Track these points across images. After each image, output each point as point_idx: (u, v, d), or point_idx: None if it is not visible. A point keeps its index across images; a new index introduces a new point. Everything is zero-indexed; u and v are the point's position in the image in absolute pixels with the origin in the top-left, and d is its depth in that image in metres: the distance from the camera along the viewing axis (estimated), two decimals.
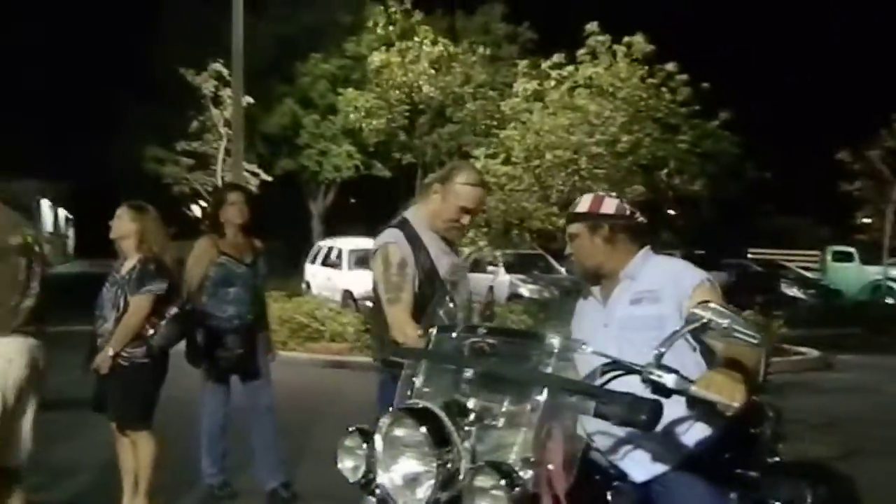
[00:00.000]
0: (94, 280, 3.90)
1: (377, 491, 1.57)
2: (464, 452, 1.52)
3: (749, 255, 22.22)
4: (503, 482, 1.39)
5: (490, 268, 13.48)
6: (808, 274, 19.26)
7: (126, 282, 3.50)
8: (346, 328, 10.10)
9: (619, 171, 11.40)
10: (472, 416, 1.65)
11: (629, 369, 1.71)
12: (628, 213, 2.25)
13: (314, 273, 15.25)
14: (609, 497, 1.70)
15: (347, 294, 12.61)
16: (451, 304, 2.00)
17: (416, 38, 11.94)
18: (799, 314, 15.56)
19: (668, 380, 1.59)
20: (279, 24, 19.13)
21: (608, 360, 1.76)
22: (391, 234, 2.76)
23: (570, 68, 11.10)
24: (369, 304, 3.56)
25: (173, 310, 3.57)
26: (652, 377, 1.61)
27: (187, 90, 13.81)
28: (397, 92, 11.71)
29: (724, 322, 1.63)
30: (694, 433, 2.04)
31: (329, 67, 19.09)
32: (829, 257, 20.08)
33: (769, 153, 14.30)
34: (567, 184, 11.31)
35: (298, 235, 20.99)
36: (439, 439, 1.50)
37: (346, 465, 1.65)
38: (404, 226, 2.79)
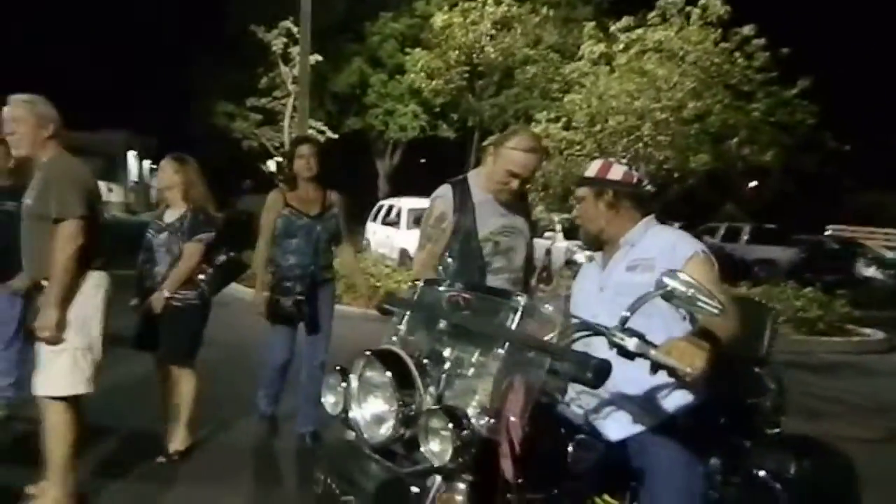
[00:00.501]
0: None
1: (351, 424, 1.72)
2: (428, 396, 1.64)
3: (828, 232, 21.25)
4: (452, 425, 1.51)
5: (547, 233, 13.41)
6: (890, 254, 18.27)
7: (177, 229, 3.71)
8: (399, 286, 10.34)
9: (685, 138, 11.10)
10: (446, 365, 1.77)
11: (596, 331, 1.78)
12: (635, 180, 2.26)
13: (374, 231, 15.54)
14: (570, 449, 1.78)
15: (404, 252, 12.83)
16: (449, 260, 2.09)
17: None
18: (873, 294, 14.92)
19: (630, 343, 1.65)
20: None
21: (578, 321, 1.83)
22: (441, 190, 2.92)
23: (640, 31, 10.79)
24: None
25: (221, 257, 3.83)
26: (615, 339, 1.68)
27: (258, 47, 14.13)
28: (457, 53, 11.66)
29: (689, 291, 1.67)
30: (674, 398, 2.09)
31: (398, 27, 19.10)
32: None
33: (851, 124, 13.50)
34: (629, 150, 11.11)
35: (365, 194, 21.35)
36: (403, 383, 1.62)
37: (329, 400, 1.80)
38: (459, 184, 2.91)
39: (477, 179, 2.92)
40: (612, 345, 1.69)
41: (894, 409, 5.91)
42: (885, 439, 5.10)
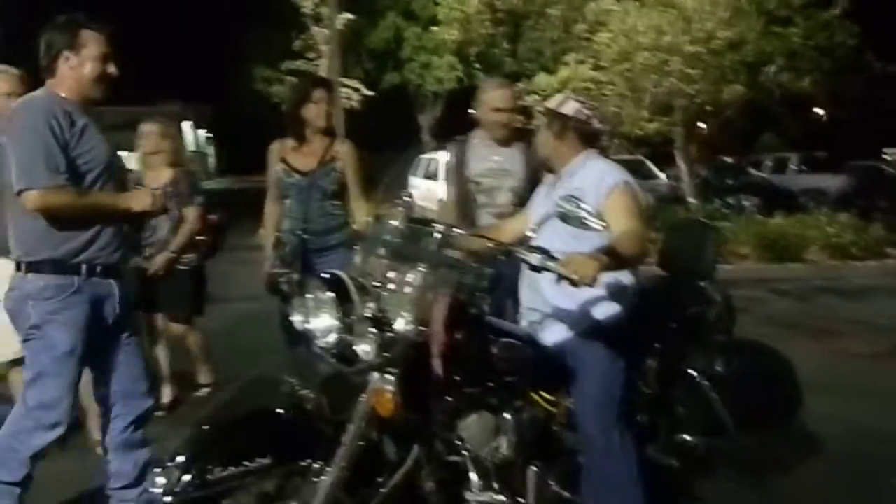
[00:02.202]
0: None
1: (310, 335, 2.10)
2: (367, 310, 1.99)
3: (886, 156, 20.39)
4: (375, 329, 1.86)
5: None
6: None
7: (174, 194, 3.81)
8: None
9: (717, 69, 10.91)
10: (389, 286, 2.12)
11: (508, 250, 2.10)
12: (585, 118, 2.48)
13: (416, 185, 15.86)
14: (495, 350, 2.12)
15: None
16: (407, 198, 2.41)
17: None
18: None
19: (533, 258, 1.95)
20: None
21: (494, 242, 2.16)
22: (451, 145, 3.52)
23: None
24: None
25: (213, 218, 4.09)
26: (521, 256, 1.99)
27: (291, 9, 14.40)
28: (476, 1, 11.68)
29: (579, 213, 1.96)
30: (602, 308, 2.37)
31: None
32: None
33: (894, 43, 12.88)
34: (659, 87, 11.03)
35: (406, 147, 21.61)
36: (345, 299, 1.98)
37: (296, 318, 2.17)
38: (470, 134, 3.43)
39: (479, 131, 3.42)
40: (520, 261, 2.00)
41: None
42: (889, 354, 5.22)
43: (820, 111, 13.71)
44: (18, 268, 2.43)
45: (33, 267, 2.40)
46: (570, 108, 2.48)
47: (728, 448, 2.62)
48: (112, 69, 2.51)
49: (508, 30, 12.93)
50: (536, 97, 12.43)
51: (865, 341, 5.55)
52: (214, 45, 27.45)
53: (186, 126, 35.92)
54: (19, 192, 2.33)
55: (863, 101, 14.62)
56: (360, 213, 3.43)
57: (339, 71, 12.07)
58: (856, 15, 11.02)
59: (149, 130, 3.91)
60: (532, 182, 3.15)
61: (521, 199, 3.16)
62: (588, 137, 2.51)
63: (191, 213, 3.91)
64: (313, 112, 3.37)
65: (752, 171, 17.11)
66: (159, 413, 3.83)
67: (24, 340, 2.43)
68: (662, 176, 14.04)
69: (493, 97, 3.29)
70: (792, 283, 8.05)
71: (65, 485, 3.16)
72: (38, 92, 2.50)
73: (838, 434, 3.59)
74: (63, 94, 2.44)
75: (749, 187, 15.20)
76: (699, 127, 12.64)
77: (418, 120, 23.40)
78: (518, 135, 3.40)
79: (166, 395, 4.09)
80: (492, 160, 3.32)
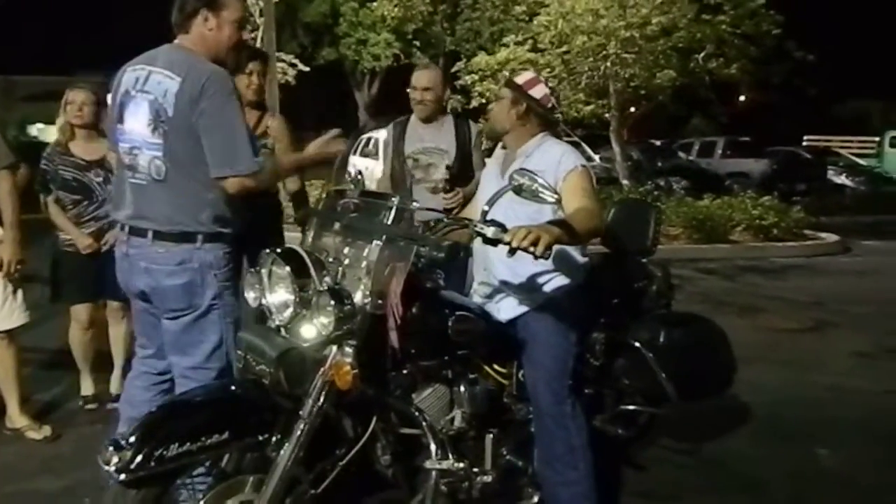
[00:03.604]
0: None
1: (265, 311, 2.08)
2: (324, 285, 1.97)
3: (805, 142, 21.51)
4: (334, 301, 1.85)
5: None
6: (863, 161, 18.60)
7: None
8: None
9: (651, 55, 11.20)
10: (344, 260, 2.11)
11: (463, 224, 2.12)
12: (550, 105, 2.49)
13: (355, 163, 15.74)
14: (450, 323, 2.14)
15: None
16: (358, 176, 2.39)
17: None
18: (841, 201, 15.34)
19: (488, 231, 1.96)
20: None
21: (451, 217, 2.17)
22: (390, 125, 3.57)
23: None
24: None
25: None
26: (476, 229, 2.00)
27: None
28: None
29: (532, 186, 1.99)
30: (552, 283, 2.42)
31: None
32: (886, 142, 19.26)
33: (817, 32, 13.51)
34: (595, 69, 11.24)
35: (346, 126, 21.33)
36: (301, 274, 1.96)
37: (249, 295, 2.13)
38: (404, 117, 3.54)
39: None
40: (476, 234, 2.01)
41: (830, 303, 6.33)
42: (809, 329, 5.55)
43: (746, 98, 14.20)
44: (185, 239, 2.23)
45: (210, 238, 2.25)
46: (540, 91, 2.47)
47: (668, 416, 2.73)
48: (243, 36, 2.36)
49: (447, 8, 12.86)
50: (474, 77, 12.49)
51: (787, 316, 5.88)
52: (145, 14, 26.25)
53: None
54: (220, 179, 2.18)
55: (785, 89, 15.29)
56: (292, 186, 3.56)
57: (275, 45, 11.74)
58: (780, 4, 11.47)
59: (74, 97, 3.55)
60: (462, 157, 3.41)
61: (453, 174, 3.37)
62: (548, 124, 2.53)
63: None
64: (244, 83, 3.29)
65: (681, 154, 17.72)
66: (90, 406, 3.69)
67: (204, 313, 2.26)
68: (597, 158, 14.35)
69: (413, 77, 3.45)
70: (719, 263, 8.42)
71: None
72: (178, 49, 2.26)
73: (765, 401, 3.81)
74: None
75: (678, 170, 15.76)
76: (632, 111, 12.94)
77: (354, 97, 23.10)
78: (444, 112, 3.54)
79: (114, 385, 3.78)
80: (426, 138, 3.45)
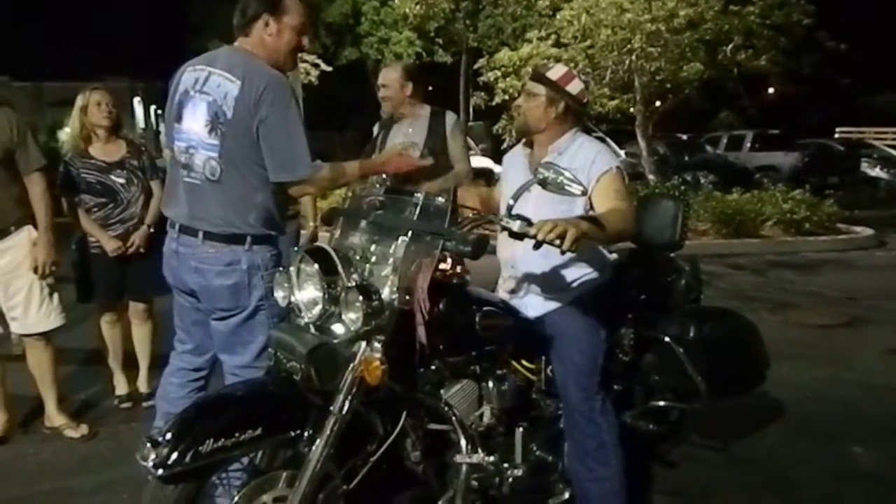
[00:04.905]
0: None
1: (294, 309, 2.10)
2: (352, 281, 1.99)
3: (837, 135, 21.04)
4: (362, 297, 1.86)
5: None
6: None
7: (137, 167, 3.61)
8: None
9: (677, 48, 11.06)
10: (371, 258, 2.12)
11: (488, 220, 2.12)
12: (585, 100, 2.44)
13: None
14: (477, 318, 2.15)
15: None
16: (383, 176, 2.40)
17: None
18: (875, 194, 15.00)
19: (514, 225, 1.96)
20: None
21: (476, 212, 2.17)
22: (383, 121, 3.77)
23: None
24: None
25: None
26: (503, 223, 2.00)
27: None
28: None
29: (558, 179, 1.98)
30: (581, 279, 2.41)
31: None
32: None
33: (849, 21, 13.20)
34: (620, 64, 11.13)
35: (369, 126, 21.37)
36: (329, 271, 1.97)
37: (278, 294, 2.16)
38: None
39: None
40: (503, 228, 2.01)
41: (863, 298, 6.21)
42: (842, 325, 5.44)
43: (775, 90, 13.93)
44: (235, 241, 2.26)
45: (258, 240, 2.29)
46: (577, 87, 2.40)
47: (699, 412, 2.71)
48: (306, 42, 2.36)
49: (469, 5, 12.82)
50: (497, 73, 12.45)
51: (819, 312, 5.78)
52: (163, 19, 26.70)
53: (135, 102, 34.88)
54: (284, 184, 2.24)
55: (816, 80, 14.98)
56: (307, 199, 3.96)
57: None
58: None
59: (108, 100, 3.61)
60: (432, 149, 3.46)
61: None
62: (581, 119, 2.49)
63: (156, 187, 3.69)
64: None
65: (709, 148, 17.46)
66: (125, 405, 3.77)
67: (251, 314, 2.30)
68: (622, 153, 14.21)
69: (381, 75, 3.67)
70: (748, 258, 8.30)
71: (35, 470, 3.12)
72: (237, 52, 2.29)
73: (797, 399, 3.75)
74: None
75: (705, 164, 15.53)
76: (658, 105, 12.79)
77: (377, 96, 23.04)
78: (421, 106, 3.65)
79: (142, 384, 3.88)
80: (406, 133, 3.58)
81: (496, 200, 2.64)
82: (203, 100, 2.26)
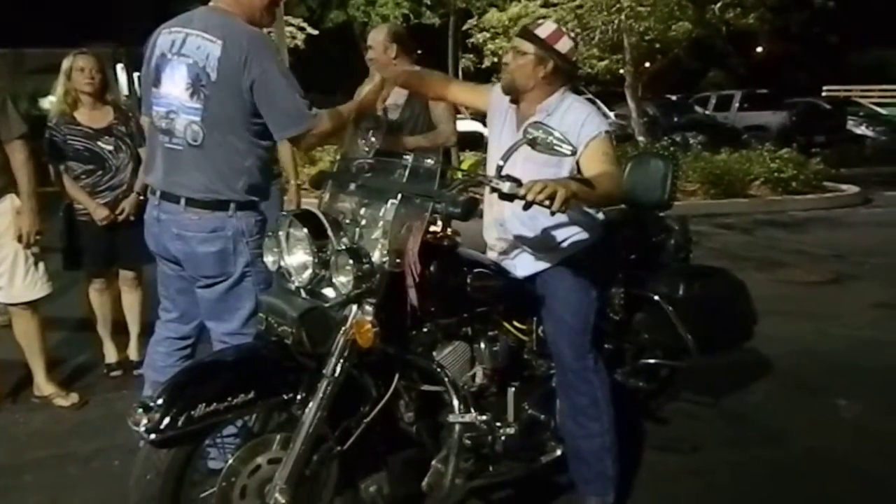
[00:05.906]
0: None
1: (285, 273, 2.08)
2: (342, 245, 1.98)
3: (824, 93, 20.99)
4: (352, 260, 1.85)
5: None
6: (884, 111, 18.15)
7: (125, 134, 3.58)
8: None
9: (666, 6, 10.93)
10: (361, 221, 2.10)
11: (478, 181, 2.10)
12: (573, 59, 2.37)
13: None
14: (468, 280, 2.14)
15: None
16: (372, 139, 2.37)
17: None
18: (862, 152, 15.06)
19: (504, 186, 1.94)
20: None
21: (465, 173, 2.15)
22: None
23: None
24: None
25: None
26: (492, 184, 1.98)
27: None
28: None
29: (548, 139, 1.95)
30: (571, 238, 2.39)
31: None
32: None
33: None
34: (609, 24, 11.01)
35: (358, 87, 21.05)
36: (318, 235, 1.96)
37: (268, 259, 2.14)
38: None
39: None
40: (492, 190, 1.99)
41: (850, 255, 6.27)
42: (829, 281, 5.50)
43: (764, 49, 13.82)
44: (219, 207, 2.21)
45: (242, 206, 2.24)
46: (566, 45, 2.33)
47: (688, 369, 2.74)
48: None
49: None
50: (486, 34, 12.28)
51: (806, 270, 5.84)
52: None
53: (119, 69, 34.19)
54: (294, 139, 2.21)
55: (804, 38, 14.88)
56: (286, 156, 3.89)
57: (282, 8, 11.59)
58: None
59: (91, 65, 3.51)
60: (412, 110, 3.49)
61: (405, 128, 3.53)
62: (570, 78, 2.43)
63: (144, 154, 3.46)
64: None
65: (698, 109, 17.40)
66: (115, 373, 3.75)
67: (237, 280, 2.27)
68: (611, 115, 14.12)
69: (368, 37, 3.64)
70: (737, 217, 8.34)
71: (26, 439, 3.12)
72: (213, 11, 2.23)
73: (784, 354, 3.81)
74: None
75: (694, 125, 15.48)
76: (647, 65, 12.69)
77: (364, 59, 22.72)
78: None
79: (132, 351, 3.86)
80: (394, 95, 3.50)
81: (484, 95, 2.60)
82: (182, 62, 2.20)
